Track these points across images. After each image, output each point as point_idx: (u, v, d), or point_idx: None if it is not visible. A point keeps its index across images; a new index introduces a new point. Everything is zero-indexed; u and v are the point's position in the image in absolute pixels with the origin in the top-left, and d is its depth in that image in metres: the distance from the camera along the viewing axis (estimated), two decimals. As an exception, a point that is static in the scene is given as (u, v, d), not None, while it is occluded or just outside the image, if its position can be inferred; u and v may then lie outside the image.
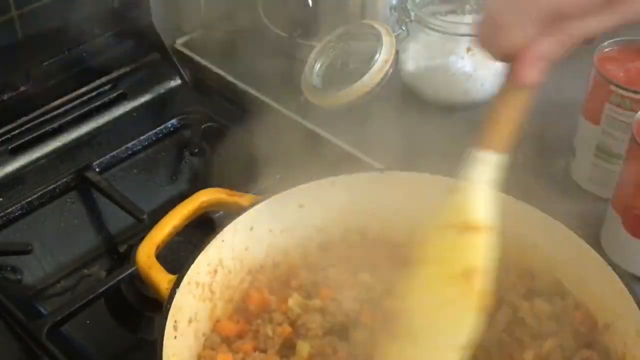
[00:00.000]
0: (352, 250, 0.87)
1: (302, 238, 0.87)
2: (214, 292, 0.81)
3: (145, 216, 1.03)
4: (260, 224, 0.84)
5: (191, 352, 0.76)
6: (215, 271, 0.80)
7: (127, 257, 1.01)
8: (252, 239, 0.84)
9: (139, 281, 0.97)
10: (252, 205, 0.83)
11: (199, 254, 0.78)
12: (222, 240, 0.81)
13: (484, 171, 0.66)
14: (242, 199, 0.84)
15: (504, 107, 0.66)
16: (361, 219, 0.88)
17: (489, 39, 0.63)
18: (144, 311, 0.98)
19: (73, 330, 0.92)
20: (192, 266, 0.76)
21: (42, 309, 0.97)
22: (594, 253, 0.76)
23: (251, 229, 0.83)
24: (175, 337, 0.72)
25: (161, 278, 0.76)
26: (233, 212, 0.83)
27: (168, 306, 0.72)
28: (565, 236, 0.78)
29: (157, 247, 0.79)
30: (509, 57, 0.64)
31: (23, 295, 1.00)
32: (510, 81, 0.65)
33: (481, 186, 0.66)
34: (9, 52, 1.12)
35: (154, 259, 0.78)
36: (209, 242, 0.79)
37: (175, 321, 0.73)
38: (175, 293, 0.73)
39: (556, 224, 0.78)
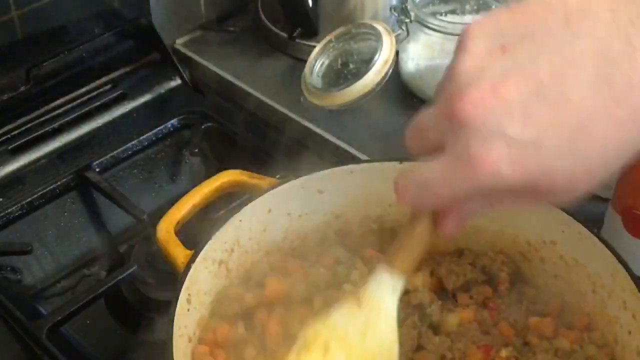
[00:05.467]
0: (370, 239, 0.88)
1: (320, 223, 0.88)
2: (230, 270, 0.82)
3: (145, 216, 1.03)
4: (279, 207, 0.84)
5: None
6: (232, 250, 0.81)
7: (127, 257, 1.01)
8: (270, 221, 0.84)
9: (139, 281, 0.98)
10: (271, 187, 0.84)
11: (216, 231, 0.79)
12: (240, 220, 0.81)
13: (385, 288, 0.67)
14: (263, 181, 0.86)
15: (412, 235, 0.65)
16: (378, 208, 0.88)
17: (415, 197, 0.61)
18: (144, 311, 0.98)
19: (73, 330, 0.92)
20: (209, 243, 0.78)
21: (42, 309, 0.97)
22: (607, 252, 0.76)
23: (269, 211, 0.84)
24: (189, 310, 0.74)
25: (178, 252, 0.78)
26: (253, 193, 0.84)
27: (183, 279, 0.74)
28: (584, 235, 0.79)
29: (177, 223, 0.82)
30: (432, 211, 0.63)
31: (23, 295, 1.00)
32: (423, 218, 0.64)
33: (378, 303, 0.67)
34: (9, 52, 1.12)
35: (172, 234, 0.80)
36: (226, 221, 0.80)
37: (189, 294, 0.74)
38: (190, 267, 0.75)
39: (575, 224, 0.79)
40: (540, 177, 0.54)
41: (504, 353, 0.76)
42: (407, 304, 0.80)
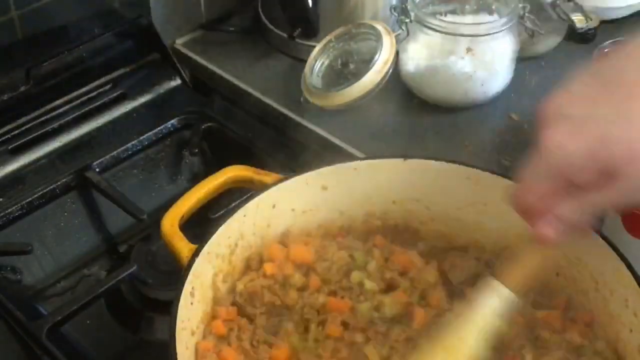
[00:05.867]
0: (373, 235, 0.88)
1: (324, 220, 0.88)
2: (234, 265, 0.82)
3: (145, 216, 1.03)
4: (283, 203, 0.85)
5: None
6: (236, 244, 0.82)
7: (127, 257, 1.01)
8: (275, 217, 0.85)
9: (139, 281, 0.98)
10: (275, 183, 0.84)
11: (220, 226, 0.79)
12: (244, 215, 0.82)
13: (493, 301, 0.72)
14: (267, 177, 0.86)
15: (527, 253, 0.72)
16: (382, 204, 0.89)
17: (515, 197, 0.70)
18: (144, 311, 0.98)
19: (73, 330, 0.92)
20: (213, 237, 0.79)
21: (42, 309, 0.97)
22: (610, 250, 0.77)
23: (274, 206, 0.85)
24: (192, 304, 0.75)
25: (182, 246, 0.79)
26: (258, 189, 0.84)
27: (186, 272, 0.74)
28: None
29: (182, 217, 0.82)
30: (531, 214, 0.69)
31: (23, 295, 1.00)
32: (533, 241, 0.70)
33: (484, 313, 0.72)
34: (9, 52, 1.12)
35: (177, 228, 0.81)
36: (230, 216, 0.81)
37: (193, 288, 0.75)
38: (194, 261, 0.75)
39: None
40: (598, 146, 0.62)
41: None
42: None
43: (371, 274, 0.82)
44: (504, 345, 0.77)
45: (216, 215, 0.95)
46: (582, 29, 1.26)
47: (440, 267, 0.84)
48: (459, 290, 0.83)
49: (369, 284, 0.81)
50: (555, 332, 0.78)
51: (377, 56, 1.13)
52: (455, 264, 0.84)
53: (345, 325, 0.79)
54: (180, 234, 0.80)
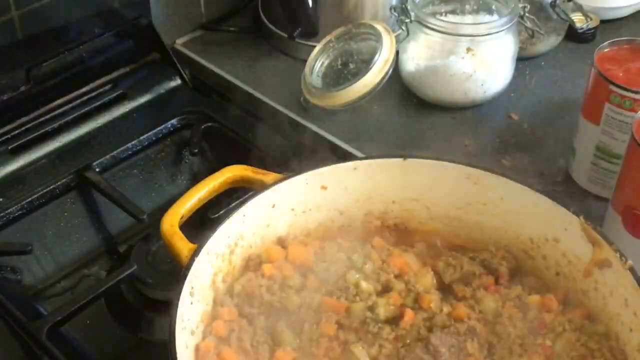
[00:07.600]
0: (372, 235, 0.89)
1: (323, 219, 0.89)
2: (234, 265, 0.82)
3: (145, 216, 1.03)
4: (283, 203, 0.85)
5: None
6: (236, 244, 0.83)
7: (127, 257, 1.01)
8: (274, 217, 0.85)
9: (139, 281, 0.97)
10: (275, 183, 0.84)
11: (220, 226, 0.80)
12: (244, 215, 0.82)
13: None
14: (267, 177, 0.86)
15: None
16: (382, 204, 0.89)
17: None
18: (144, 311, 0.98)
19: (73, 330, 0.92)
20: (213, 237, 0.79)
21: (42, 309, 0.97)
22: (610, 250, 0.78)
23: (273, 206, 0.85)
24: (192, 303, 0.75)
25: (182, 246, 0.79)
26: (257, 189, 0.85)
27: (186, 272, 0.75)
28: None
29: (182, 217, 0.82)
30: None
31: (23, 295, 1.00)
32: None
33: None
34: (9, 52, 1.12)
35: (176, 228, 0.81)
36: (229, 216, 0.81)
37: (192, 287, 0.75)
38: (194, 261, 0.76)
39: (577, 222, 0.80)
40: None
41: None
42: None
43: (368, 275, 0.82)
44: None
45: (216, 215, 0.95)
46: (582, 29, 1.26)
47: (435, 266, 0.84)
48: (451, 289, 0.83)
49: (364, 285, 0.81)
50: (558, 313, 0.79)
51: (377, 56, 1.13)
52: (448, 262, 0.84)
53: (340, 325, 0.79)
54: (180, 234, 0.80)
